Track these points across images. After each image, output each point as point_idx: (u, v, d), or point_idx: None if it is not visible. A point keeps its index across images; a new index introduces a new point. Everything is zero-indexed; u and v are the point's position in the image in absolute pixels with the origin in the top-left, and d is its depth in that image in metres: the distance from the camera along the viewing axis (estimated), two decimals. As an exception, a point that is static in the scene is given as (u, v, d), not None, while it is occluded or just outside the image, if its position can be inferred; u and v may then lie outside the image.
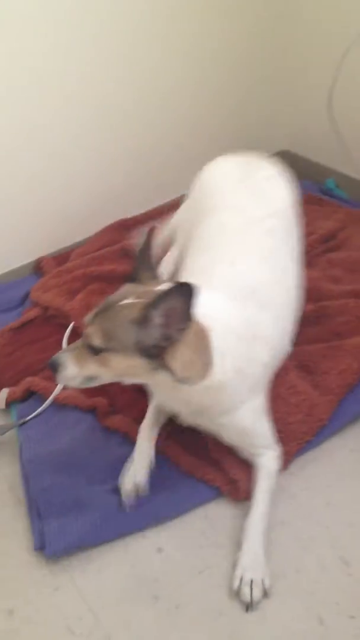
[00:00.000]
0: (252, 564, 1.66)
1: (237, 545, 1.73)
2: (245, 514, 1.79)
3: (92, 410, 2.09)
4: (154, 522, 1.81)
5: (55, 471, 1.91)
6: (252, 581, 1.63)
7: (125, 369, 1.55)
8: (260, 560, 1.67)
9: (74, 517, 1.80)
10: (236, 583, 1.65)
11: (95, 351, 1.54)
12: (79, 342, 1.60)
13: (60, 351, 1.63)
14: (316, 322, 2.23)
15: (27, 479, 1.93)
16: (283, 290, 1.87)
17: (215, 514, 1.82)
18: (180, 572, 1.71)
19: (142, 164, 2.84)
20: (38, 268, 2.74)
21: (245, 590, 1.63)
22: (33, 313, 2.49)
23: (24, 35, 2.29)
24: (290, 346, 1.92)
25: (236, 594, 1.64)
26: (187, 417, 1.82)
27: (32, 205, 2.64)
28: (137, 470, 1.84)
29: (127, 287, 1.58)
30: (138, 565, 1.73)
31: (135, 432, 1.96)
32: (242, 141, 3.09)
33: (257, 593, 1.62)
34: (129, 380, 1.65)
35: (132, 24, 2.53)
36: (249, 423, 1.77)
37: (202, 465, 1.89)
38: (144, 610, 1.64)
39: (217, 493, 1.84)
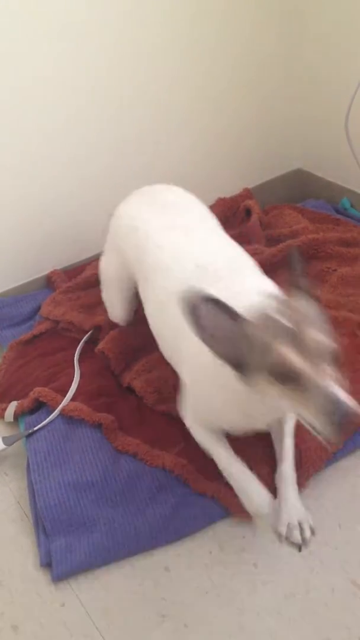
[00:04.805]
0: (293, 509, 1.73)
1: (245, 564, 1.71)
2: (253, 533, 1.78)
3: (99, 425, 2.06)
4: (162, 543, 1.79)
5: (62, 488, 1.89)
6: (299, 523, 1.70)
7: None
8: (299, 505, 1.74)
9: (81, 536, 1.78)
10: (283, 530, 1.70)
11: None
12: (324, 373, 1.34)
13: (334, 396, 1.31)
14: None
15: (33, 494, 1.92)
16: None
17: (223, 533, 1.80)
18: (187, 591, 1.68)
19: (155, 182, 2.84)
20: (49, 282, 2.75)
21: (295, 533, 1.69)
22: (44, 326, 2.49)
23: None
24: None
25: (286, 539, 1.69)
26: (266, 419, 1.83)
27: (45, 219, 2.64)
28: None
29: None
30: (145, 584, 1.71)
31: (145, 453, 1.94)
32: (258, 159, 3.11)
33: (307, 532, 1.70)
34: None
35: (146, 40, 2.55)
36: None
37: (214, 485, 1.85)
38: (151, 630, 1.61)
39: (227, 512, 1.82)
